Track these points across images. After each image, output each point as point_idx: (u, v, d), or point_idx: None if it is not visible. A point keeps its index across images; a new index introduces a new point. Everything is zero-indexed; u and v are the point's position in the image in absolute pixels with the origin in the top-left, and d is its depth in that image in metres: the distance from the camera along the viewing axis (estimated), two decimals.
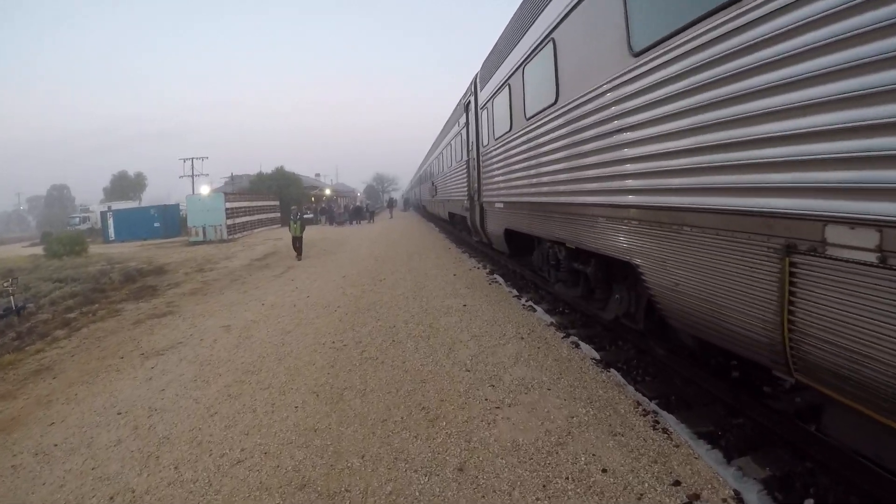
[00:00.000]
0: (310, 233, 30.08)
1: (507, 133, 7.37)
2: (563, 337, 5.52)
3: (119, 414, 4.35)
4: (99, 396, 4.84)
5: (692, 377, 4.08)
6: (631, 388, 4.05)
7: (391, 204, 49.57)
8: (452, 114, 14.51)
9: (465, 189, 11.78)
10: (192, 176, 43.51)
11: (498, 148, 8.09)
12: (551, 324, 6.09)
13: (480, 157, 9.65)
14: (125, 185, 71.82)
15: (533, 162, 5.96)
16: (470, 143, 11.01)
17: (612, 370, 4.47)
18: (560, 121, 5.05)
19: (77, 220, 53.54)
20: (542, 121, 5.58)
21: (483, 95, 9.35)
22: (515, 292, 8.20)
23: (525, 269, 9.83)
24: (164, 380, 5.16)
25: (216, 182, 54.05)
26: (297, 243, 15.89)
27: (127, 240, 36.74)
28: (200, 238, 28.78)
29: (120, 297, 11.45)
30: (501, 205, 8.09)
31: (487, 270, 10.58)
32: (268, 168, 45.41)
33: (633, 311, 4.64)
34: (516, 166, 6.88)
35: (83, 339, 7.51)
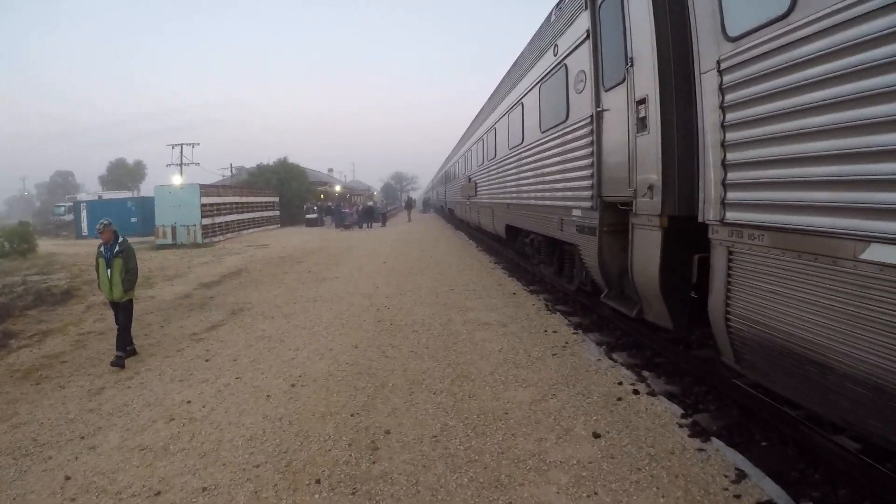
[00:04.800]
0: (306, 239, 23.57)
1: None
2: None
3: None
4: None
5: None
6: None
7: (409, 205, 43.00)
8: (529, 46, 7.84)
9: (586, 183, 5.15)
10: (181, 164, 37.56)
11: None
12: None
13: None
14: (122, 173, 67.01)
15: None
16: (639, 62, 4.34)
17: None
18: None
19: (63, 209, 48.16)
20: None
21: None
22: None
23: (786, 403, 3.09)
24: None
25: (216, 176, 48.25)
26: (119, 319, 5.81)
27: None
28: (169, 241, 22.78)
29: None
30: None
31: (688, 426, 3.76)
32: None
33: None
34: None
35: None
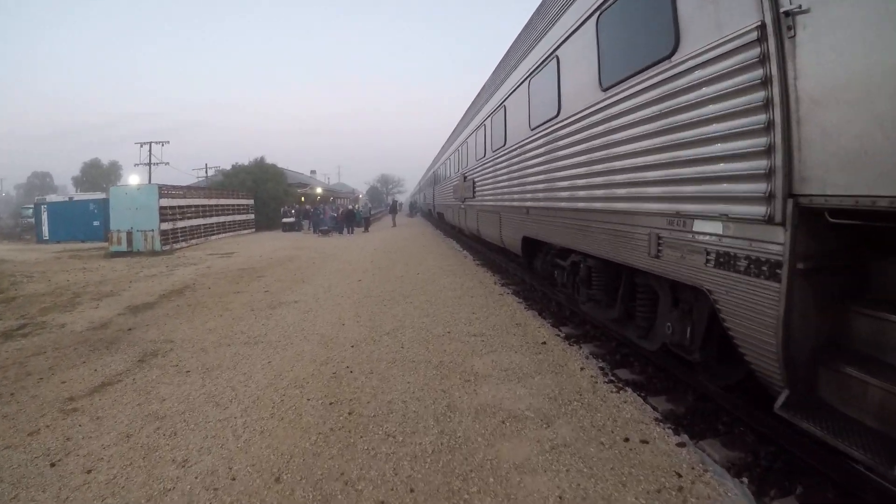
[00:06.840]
0: (278, 246, 19.56)
1: None
2: None
3: None
4: None
5: None
6: None
7: (394, 209, 40.09)
8: None
9: (745, 165, 2.56)
10: (150, 164, 34.53)
11: None
12: None
13: None
14: (96, 174, 63.91)
15: None
16: None
17: None
18: None
19: (31, 211, 45.04)
20: None
21: None
22: None
23: None
24: None
25: (191, 177, 45.12)
26: None
27: (63, 240, 28.65)
28: (124, 248, 20.11)
29: None
30: None
31: None
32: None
33: None
34: None
35: None
